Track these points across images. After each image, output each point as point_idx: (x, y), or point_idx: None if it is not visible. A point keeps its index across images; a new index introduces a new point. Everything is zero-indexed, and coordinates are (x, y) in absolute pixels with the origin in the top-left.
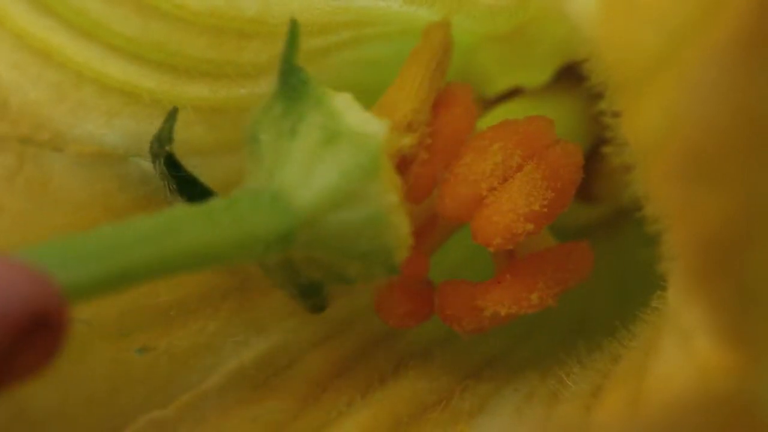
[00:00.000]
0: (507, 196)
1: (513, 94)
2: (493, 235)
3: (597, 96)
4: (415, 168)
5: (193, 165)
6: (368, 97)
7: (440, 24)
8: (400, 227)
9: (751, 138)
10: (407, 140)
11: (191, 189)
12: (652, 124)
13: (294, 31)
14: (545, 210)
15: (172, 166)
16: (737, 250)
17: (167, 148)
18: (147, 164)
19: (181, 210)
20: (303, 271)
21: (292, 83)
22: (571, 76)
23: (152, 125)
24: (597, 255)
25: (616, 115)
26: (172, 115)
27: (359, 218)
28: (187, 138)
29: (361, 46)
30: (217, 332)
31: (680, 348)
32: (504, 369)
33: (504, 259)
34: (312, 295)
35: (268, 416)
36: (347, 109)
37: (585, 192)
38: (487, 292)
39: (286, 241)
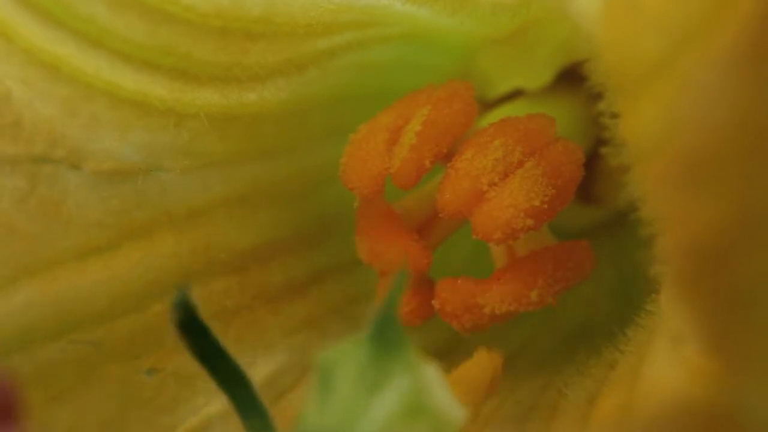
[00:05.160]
0: (508, 192)
1: (513, 96)
2: (494, 229)
3: (596, 97)
4: (403, 152)
5: (208, 177)
6: (371, 102)
7: None
8: None
9: (751, 145)
10: None
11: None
12: (650, 126)
13: (400, 282)
14: (545, 206)
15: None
16: (729, 256)
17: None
18: (165, 177)
19: None
20: None
21: (389, 337)
22: (571, 78)
23: (166, 136)
24: (598, 257)
25: (614, 116)
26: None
27: None
28: (201, 149)
29: (365, 49)
30: None
31: (670, 352)
32: (506, 380)
33: (504, 258)
34: None
35: None
36: (435, 382)
37: (585, 193)
38: (488, 289)
39: None
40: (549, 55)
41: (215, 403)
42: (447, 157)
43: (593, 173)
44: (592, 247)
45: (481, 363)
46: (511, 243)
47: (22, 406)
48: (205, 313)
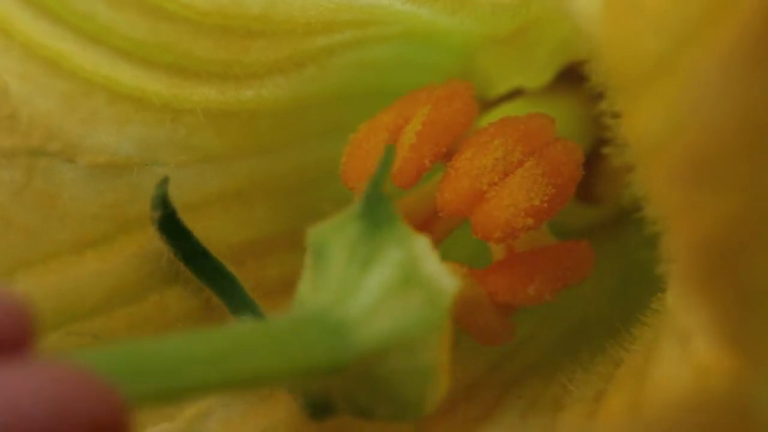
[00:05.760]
0: (507, 191)
1: (513, 95)
2: (493, 229)
3: (597, 97)
4: (403, 151)
5: (205, 172)
6: (370, 101)
7: None
8: (441, 384)
9: (755, 143)
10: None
11: (190, 249)
12: (652, 125)
13: (389, 156)
14: (545, 205)
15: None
16: (738, 253)
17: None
18: (161, 171)
19: (247, 329)
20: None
21: (378, 212)
22: (571, 77)
23: (163, 131)
24: (598, 256)
25: (616, 115)
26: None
27: (408, 368)
28: (197, 143)
29: (364, 48)
30: None
31: (679, 350)
32: (507, 375)
33: (503, 255)
34: (320, 409)
35: (274, 429)
36: (426, 254)
37: (586, 193)
38: (483, 278)
39: (336, 372)
40: (549, 54)
41: None
42: (447, 156)
43: (593, 173)
44: (592, 246)
45: None
46: (511, 242)
47: (36, 332)
48: (202, 306)
